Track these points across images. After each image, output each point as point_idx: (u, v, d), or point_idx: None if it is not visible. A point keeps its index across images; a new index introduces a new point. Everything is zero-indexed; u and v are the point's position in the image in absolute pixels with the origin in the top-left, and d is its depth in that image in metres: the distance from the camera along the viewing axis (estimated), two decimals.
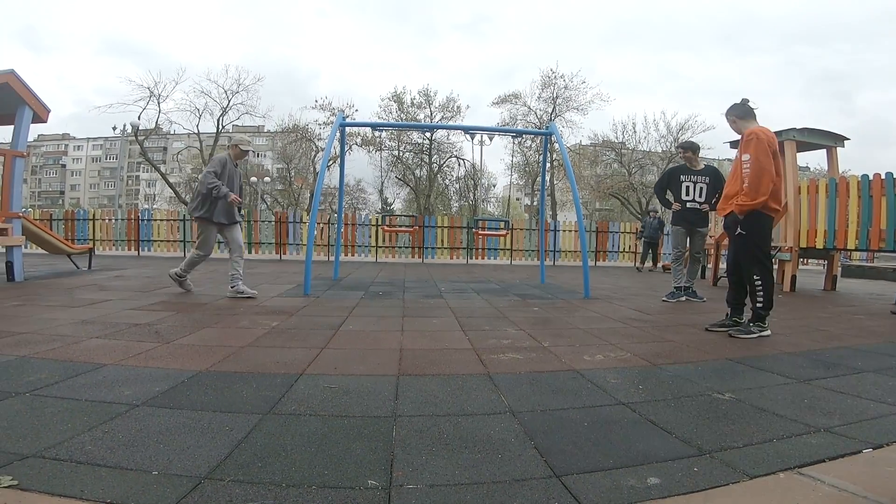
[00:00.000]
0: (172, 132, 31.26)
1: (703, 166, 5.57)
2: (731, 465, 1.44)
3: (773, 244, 7.69)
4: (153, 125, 28.90)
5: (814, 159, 45.97)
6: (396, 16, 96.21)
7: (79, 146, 61.05)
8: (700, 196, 5.42)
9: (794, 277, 7.27)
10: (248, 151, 5.15)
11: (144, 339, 2.89)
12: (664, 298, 5.51)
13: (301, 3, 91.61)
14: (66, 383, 2.04)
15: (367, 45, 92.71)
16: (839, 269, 8.49)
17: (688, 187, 5.44)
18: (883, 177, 6.15)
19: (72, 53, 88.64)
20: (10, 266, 5.85)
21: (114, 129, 26.76)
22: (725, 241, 8.40)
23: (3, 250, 5.97)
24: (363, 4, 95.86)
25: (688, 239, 5.53)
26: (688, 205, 5.42)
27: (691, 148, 5.62)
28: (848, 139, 7.77)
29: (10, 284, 5.51)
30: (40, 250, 7.82)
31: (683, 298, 5.45)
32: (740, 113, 3.61)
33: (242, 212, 11.05)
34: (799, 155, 7.66)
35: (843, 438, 1.65)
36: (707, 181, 5.43)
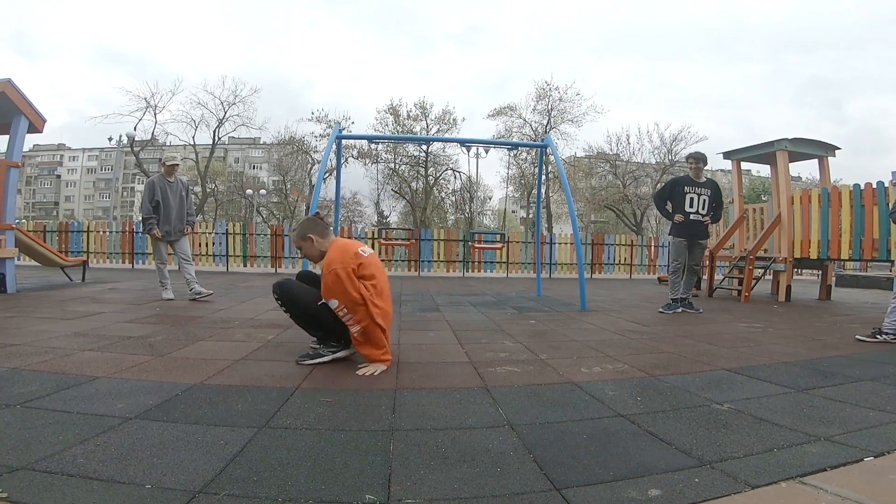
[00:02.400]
0: (168, 143, 31.27)
1: (705, 179, 5.56)
2: (733, 475, 1.43)
3: (767, 255, 7.75)
4: (149, 136, 28.93)
5: (805, 169, 46.54)
6: (388, 26, 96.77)
7: (74, 157, 60.88)
8: (703, 208, 5.42)
9: (788, 288, 7.30)
10: (176, 165, 5.83)
11: (138, 352, 2.86)
12: (661, 310, 5.49)
13: (293, 13, 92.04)
14: (57, 395, 2.01)
15: (360, 56, 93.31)
16: (833, 278, 8.53)
17: (692, 199, 5.41)
18: (874, 186, 6.21)
19: (64, 61, 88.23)
20: (2, 278, 5.79)
21: (109, 139, 26.80)
22: (721, 253, 8.42)
23: None
24: (355, 15, 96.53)
25: (687, 251, 5.52)
26: (691, 217, 5.39)
27: (703, 159, 5.57)
28: (839, 148, 7.86)
29: (2, 296, 5.45)
30: (33, 262, 7.75)
31: (680, 310, 5.43)
32: (319, 231, 2.81)
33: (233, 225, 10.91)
34: (791, 165, 7.73)
35: (844, 447, 1.65)
36: (709, 194, 5.44)
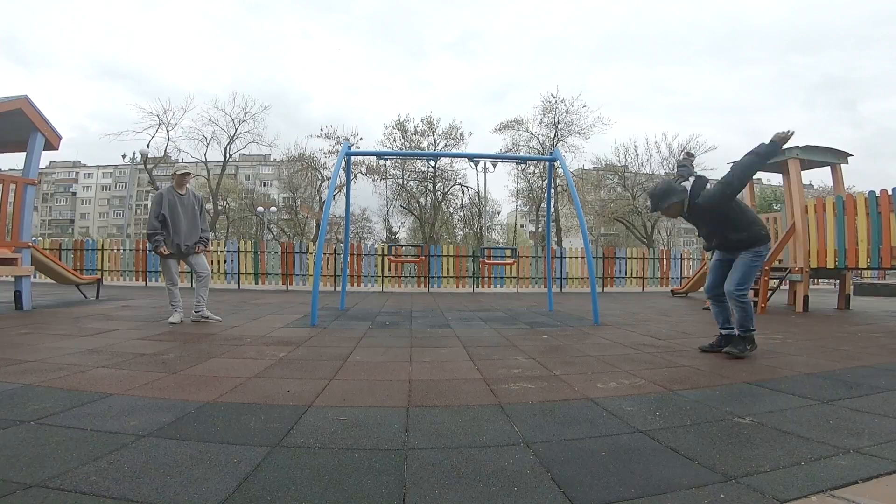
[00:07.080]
0: (180, 160, 31.86)
1: None
2: (760, 490, 1.38)
3: (782, 265, 7.62)
4: (162, 153, 29.43)
5: (817, 176, 45.87)
6: (383, 37, 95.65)
7: (89, 174, 61.78)
8: None
9: (806, 298, 7.17)
10: (187, 174, 5.36)
11: (151, 369, 2.86)
12: None
13: (285, 26, 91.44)
14: (71, 412, 2.01)
15: (356, 68, 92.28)
16: (851, 287, 8.38)
17: None
18: (890, 192, 6.11)
19: (62, 72, 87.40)
20: (18, 295, 5.87)
21: (123, 157, 27.23)
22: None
23: (13, 279, 5.99)
24: (348, 25, 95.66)
25: None
26: None
27: None
28: (851, 155, 7.76)
29: (18, 313, 5.52)
30: (49, 280, 7.85)
31: None
32: None
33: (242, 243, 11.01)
34: (803, 172, 7.63)
35: (875, 459, 1.59)
36: None
